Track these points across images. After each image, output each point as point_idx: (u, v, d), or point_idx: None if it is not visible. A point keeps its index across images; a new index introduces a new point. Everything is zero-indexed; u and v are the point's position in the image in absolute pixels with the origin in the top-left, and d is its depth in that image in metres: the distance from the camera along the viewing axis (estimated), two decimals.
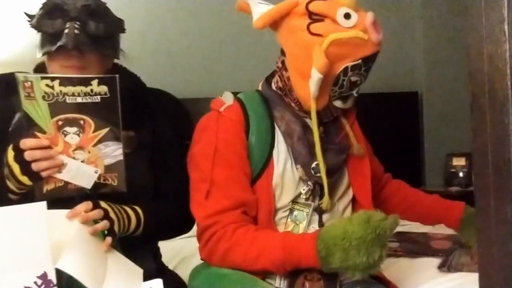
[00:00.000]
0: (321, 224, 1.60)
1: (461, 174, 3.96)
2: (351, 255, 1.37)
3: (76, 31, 1.55)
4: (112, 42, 1.66)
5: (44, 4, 1.62)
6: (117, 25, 1.69)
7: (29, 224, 1.32)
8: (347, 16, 1.48)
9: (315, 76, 1.48)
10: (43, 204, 1.34)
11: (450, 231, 2.84)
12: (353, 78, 1.52)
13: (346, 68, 1.50)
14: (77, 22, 1.56)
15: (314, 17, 1.50)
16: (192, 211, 1.60)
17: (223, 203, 1.52)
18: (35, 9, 1.64)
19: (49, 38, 1.58)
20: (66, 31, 1.55)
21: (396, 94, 4.07)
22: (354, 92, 1.56)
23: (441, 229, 2.88)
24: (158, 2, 3.69)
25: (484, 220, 0.83)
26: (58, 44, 1.55)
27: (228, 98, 1.63)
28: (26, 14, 1.65)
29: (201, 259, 1.63)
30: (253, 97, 1.65)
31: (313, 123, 1.55)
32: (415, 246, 2.36)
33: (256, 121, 1.58)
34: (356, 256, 1.37)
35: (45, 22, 1.59)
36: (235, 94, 1.68)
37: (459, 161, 3.97)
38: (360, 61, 1.50)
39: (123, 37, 1.71)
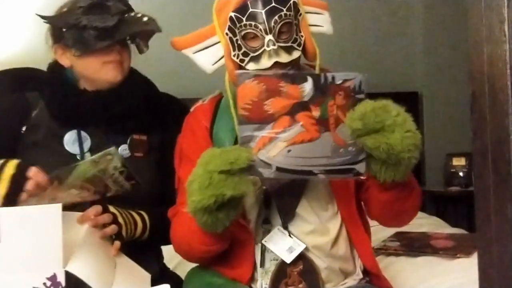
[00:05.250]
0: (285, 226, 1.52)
1: (461, 174, 3.97)
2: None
3: (152, 17, 1.62)
4: None
5: (74, 3, 1.60)
6: None
7: (44, 225, 1.32)
8: None
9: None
10: (59, 206, 1.35)
11: (450, 230, 2.85)
12: (243, 32, 1.46)
13: (230, 27, 1.47)
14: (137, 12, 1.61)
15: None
16: None
17: (183, 197, 1.48)
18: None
19: (99, 33, 1.57)
20: (145, 19, 1.60)
21: (396, 94, 4.05)
22: (266, 47, 1.44)
23: (441, 228, 2.90)
24: (159, 0, 3.69)
25: (484, 220, 0.83)
26: (139, 29, 1.61)
27: (207, 98, 1.64)
28: (39, 15, 1.62)
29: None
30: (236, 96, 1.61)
31: (227, 92, 1.53)
32: (415, 245, 2.37)
33: (226, 116, 1.55)
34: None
35: (91, 18, 1.57)
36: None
37: (459, 161, 3.98)
38: (238, 8, 1.45)
39: None
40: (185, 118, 1.61)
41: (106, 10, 1.57)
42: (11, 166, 1.47)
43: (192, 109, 1.62)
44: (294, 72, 1.43)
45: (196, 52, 1.56)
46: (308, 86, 1.33)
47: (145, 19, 1.61)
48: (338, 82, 1.34)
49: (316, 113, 1.34)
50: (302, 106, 1.34)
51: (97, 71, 1.62)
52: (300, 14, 1.50)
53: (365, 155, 1.34)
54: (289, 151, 1.33)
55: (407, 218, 1.61)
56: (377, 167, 1.34)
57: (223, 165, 1.29)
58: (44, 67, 1.75)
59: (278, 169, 1.34)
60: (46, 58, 1.73)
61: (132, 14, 1.62)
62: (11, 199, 1.44)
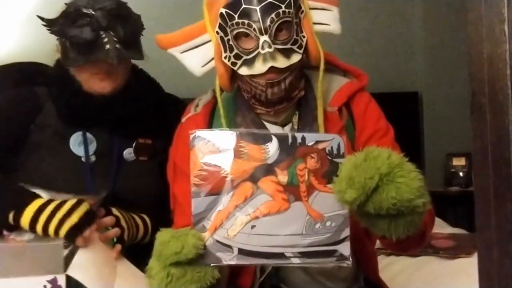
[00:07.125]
0: None
1: (461, 174, 3.97)
2: None
3: (117, 45, 1.50)
4: (138, 42, 1.64)
5: (65, 11, 1.57)
6: (139, 23, 1.65)
7: (45, 260, 1.34)
8: None
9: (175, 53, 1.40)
10: (60, 244, 1.37)
11: (450, 230, 2.85)
12: (235, 31, 1.30)
13: (221, 25, 1.32)
14: (111, 32, 1.52)
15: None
16: None
17: (180, 222, 1.39)
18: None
19: (79, 48, 1.54)
20: (107, 46, 1.49)
21: (396, 94, 4.07)
22: (261, 50, 1.28)
23: (442, 228, 2.89)
24: (159, 0, 3.69)
25: (484, 220, 0.82)
26: (100, 57, 1.51)
27: (200, 104, 1.49)
28: (39, 17, 1.61)
29: None
30: (230, 101, 1.48)
31: (218, 100, 1.39)
32: None
33: (220, 125, 1.42)
34: None
35: (73, 31, 1.53)
36: None
37: (459, 161, 3.98)
38: (230, 3, 1.30)
39: None
40: (177, 130, 1.48)
41: (89, 22, 1.52)
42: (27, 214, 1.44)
43: (183, 120, 1.47)
44: (256, 131, 1.23)
45: (184, 51, 1.39)
46: (272, 147, 1.14)
47: (107, 47, 1.50)
48: (310, 143, 1.15)
49: (283, 178, 1.13)
50: (266, 170, 1.13)
51: (86, 81, 1.61)
52: (303, 11, 1.33)
53: (348, 232, 1.14)
54: (253, 227, 1.12)
55: (418, 249, 1.55)
56: (385, 226, 1.12)
57: (170, 257, 1.12)
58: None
59: (241, 251, 1.12)
60: (38, 57, 1.73)
61: (104, 35, 1.52)
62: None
